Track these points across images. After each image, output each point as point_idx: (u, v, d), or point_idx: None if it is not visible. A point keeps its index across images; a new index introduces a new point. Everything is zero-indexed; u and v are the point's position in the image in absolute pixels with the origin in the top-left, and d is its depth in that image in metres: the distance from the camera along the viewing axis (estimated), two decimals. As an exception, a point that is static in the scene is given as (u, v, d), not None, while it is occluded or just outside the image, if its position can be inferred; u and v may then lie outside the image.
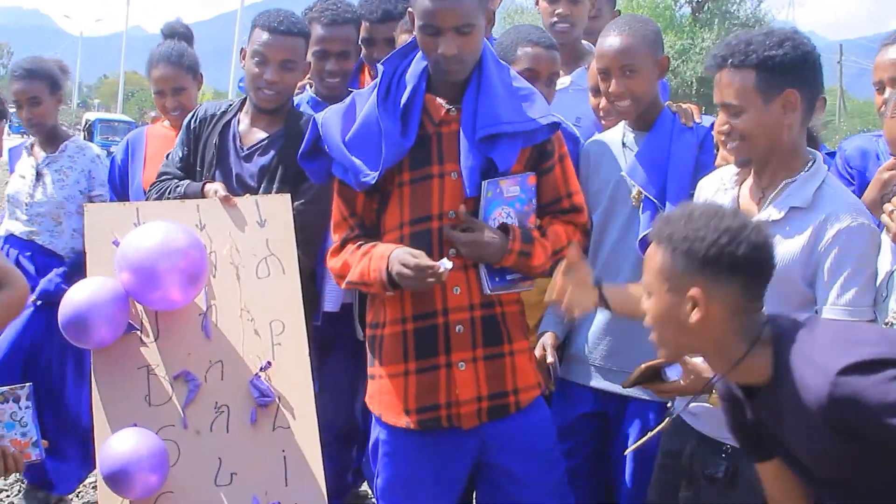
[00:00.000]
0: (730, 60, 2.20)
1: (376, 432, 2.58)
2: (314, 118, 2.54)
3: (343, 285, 2.57)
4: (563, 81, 3.26)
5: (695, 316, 1.85)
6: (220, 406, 2.53)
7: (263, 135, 3.03)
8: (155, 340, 2.59)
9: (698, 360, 2.18)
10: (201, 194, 2.88)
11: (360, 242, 2.52)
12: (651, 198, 2.67)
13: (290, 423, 2.55)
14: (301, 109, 3.28)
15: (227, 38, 33.74)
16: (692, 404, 2.32)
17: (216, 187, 2.87)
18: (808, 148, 2.32)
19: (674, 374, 2.28)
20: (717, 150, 2.67)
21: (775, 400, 1.81)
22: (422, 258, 2.33)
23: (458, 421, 2.46)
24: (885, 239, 2.23)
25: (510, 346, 2.49)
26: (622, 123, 2.85)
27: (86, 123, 26.75)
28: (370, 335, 2.58)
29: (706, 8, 20.78)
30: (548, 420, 2.58)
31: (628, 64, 2.69)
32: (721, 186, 2.43)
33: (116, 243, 2.64)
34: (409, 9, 2.46)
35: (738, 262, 1.82)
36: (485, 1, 2.40)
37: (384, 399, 2.52)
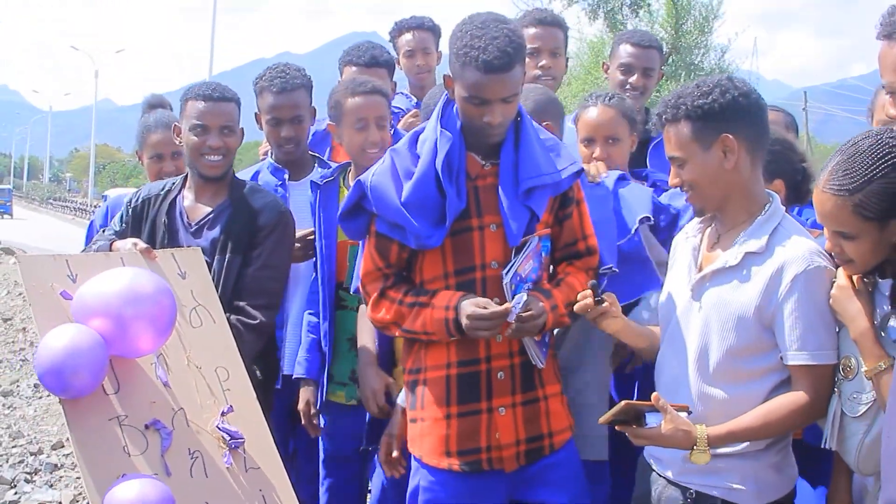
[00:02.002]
0: (664, 116, 2.34)
1: (416, 479, 2.63)
2: (359, 180, 2.61)
3: (398, 334, 2.64)
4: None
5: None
6: (194, 452, 2.52)
7: (209, 208, 3.09)
8: (117, 392, 2.51)
9: (683, 415, 2.29)
10: (109, 251, 2.86)
11: (404, 290, 2.61)
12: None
13: (259, 464, 2.59)
14: (261, 176, 3.35)
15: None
16: (658, 449, 2.40)
17: (133, 241, 2.87)
18: (766, 190, 2.40)
19: (654, 420, 2.30)
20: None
21: None
22: (491, 306, 2.44)
23: (501, 464, 2.56)
24: None
25: (543, 390, 2.60)
26: None
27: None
28: (410, 380, 2.66)
29: (671, 60, 21.26)
30: (577, 459, 2.69)
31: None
32: (685, 237, 2.54)
33: (65, 295, 2.57)
34: (446, 74, 2.54)
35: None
36: (524, 63, 2.51)
37: (426, 441, 2.60)
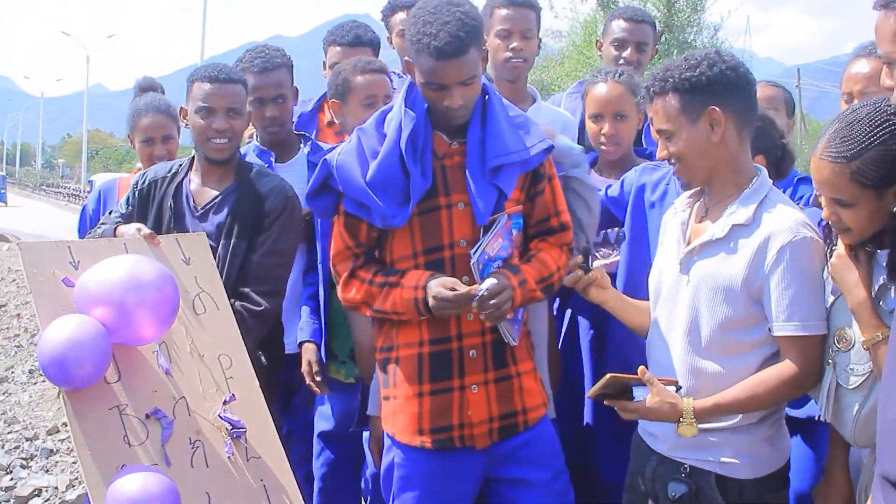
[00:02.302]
0: (652, 89, 2.35)
1: (390, 456, 2.66)
2: (325, 160, 2.61)
3: (369, 314, 2.64)
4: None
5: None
6: (195, 441, 2.50)
7: (215, 192, 3.05)
8: (119, 380, 2.49)
9: (669, 388, 2.33)
10: (114, 236, 2.83)
11: (374, 269, 2.61)
12: None
13: (260, 453, 2.57)
14: (247, 159, 3.30)
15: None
16: (652, 424, 2.44)
17: (136, 226, 2.83)
18: (754, 164, 2.42)
19: (641, 394, 2.34)
20: None
21: None
22: (459, 286, 2.46)
23: (472, 441, 2.58)
24: None
25: (516, 367, 2.62)
26: None
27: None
28: (382, 358, 2.67)
29: (664, 39, 20.94)
30: (553, 436, 2.72)
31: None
32: (673, 212, 2.56)
33: (68, 282, 2.56)
34: (406, 58, 2.56)
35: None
36: (480, 45, 2.50)
37: (398, 419, 2.62)
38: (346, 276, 2.65)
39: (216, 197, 3.05)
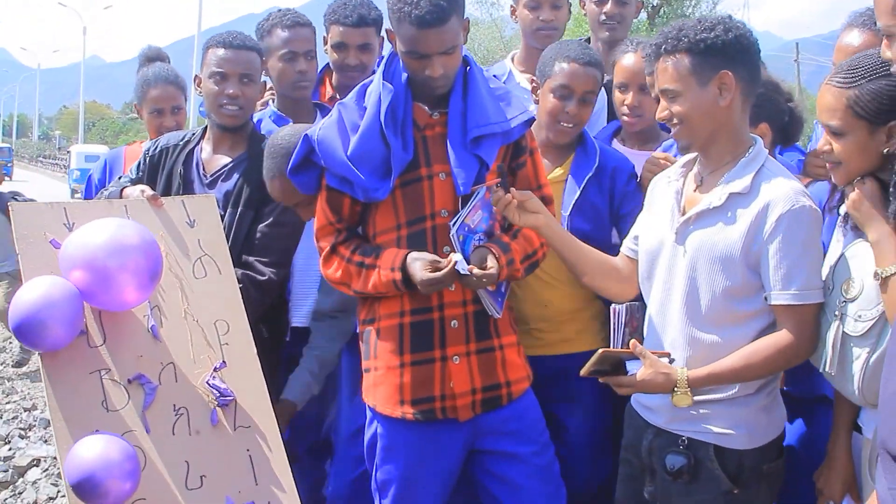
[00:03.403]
0: (663, 47, 2.30)
1: (372, 428, 2.63)
2: (306, 135, 2.57)
3: (351, 293, 2.62)
4: None
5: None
6: (179, 408, 2.44)
7: (226, 160, 3.01)
8: (103, 343, 2.43)
9: (663, 360, 2.31)
10: (120, 197, 2.79)
11: (353, 246, 2.59)
12: None
13: (250, 422, 2.51)
14: (263, 125, 3.25)
15: (185, 64, 31.93)
16: (647, 397, 2.41)
17: (141, 188, 2.79)
18: (751, 134, 2.39)
19: (634, 367, 2.32)
20: None
21: None
22: (440, 262, 2.43)
23: (454, 413, 2.56)
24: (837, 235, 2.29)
25: (499, 340, 2.60)
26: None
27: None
28: (364, 330, 2.64)
29: (662, 12, 20.76)
30: (537, 409, 2.69)
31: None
32: (667, 180, 2.51)
33: (55, 244, 2.48)
34: (389, 28, 2.53)
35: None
36: (461, 14, 2.48)
37: (380, 391, 2.59)
38: (328, 251, 2.62)
39: (226, 165, 3.02)
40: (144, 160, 3.07)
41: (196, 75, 3.09)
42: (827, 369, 2.22)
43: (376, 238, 2.59)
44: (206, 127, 3.11)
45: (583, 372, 2.35)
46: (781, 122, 2.81)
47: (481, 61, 3.02)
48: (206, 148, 3.07)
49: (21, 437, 5.81)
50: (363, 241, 2.63)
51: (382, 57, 2.69)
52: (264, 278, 2.90)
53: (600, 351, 2.30)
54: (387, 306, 2.57)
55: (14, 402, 6.68)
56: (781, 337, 2.26)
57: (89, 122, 64.00)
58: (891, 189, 2.10)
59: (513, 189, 2.50)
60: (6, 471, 5.11)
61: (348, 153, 2.50)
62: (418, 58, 2.45)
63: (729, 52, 2.26)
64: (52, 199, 3.91)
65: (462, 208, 2.50)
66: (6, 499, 4.66)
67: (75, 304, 2.35)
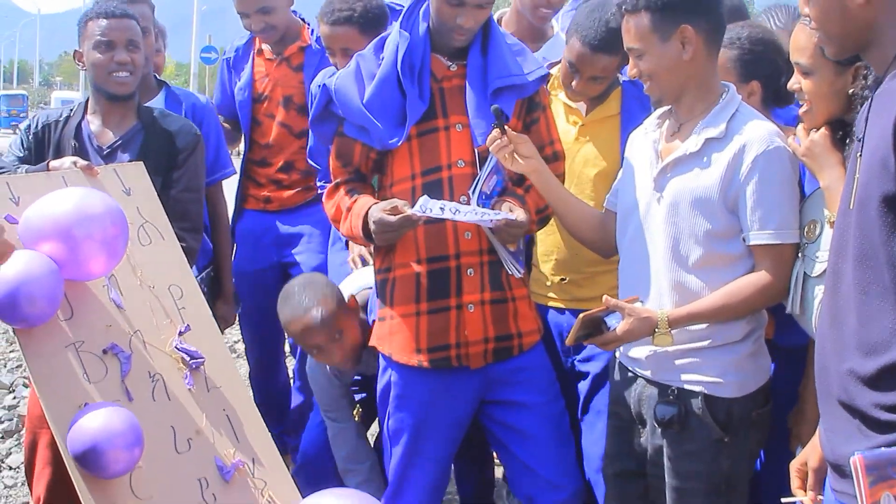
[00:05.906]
0: (624, 7, 2.34)
1: (386, 376, 2.69)
2: (324, 84, 2.66)
3: (341, 233, 2.76)
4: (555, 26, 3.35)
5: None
6: (154, 375, 2.48)
7: (119, 132, 3.02)
8: (72, 316, 2.46)
9: (637, 305, 2.34)
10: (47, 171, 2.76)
11: (348, 188, 2.68)
12: None
13: (221, 382, 2.57)
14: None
15: (188, 9, 31.22)
16: (634, 348, 2.43)
17: (72, 159, 2.77)
18: (722, 81, 2.41)
19: (614, 321, 2.35)
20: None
21: None
22: (402, 211, 2.45)
23: (468, 360, 2.60)
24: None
25: (511, 292, 2.64)
26: None
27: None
28: (380, 279, 2.68)
29: None
30: (547, 361, 2.75)
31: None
32: (644, 132, 2.53)
33: (10, 219, 2.48)
34: None
35: None
36: None
37: (395, 339, 2.64)
38: (332, 187, 2.73)
39: (122, 136, 3.04)
40: (27, 136, 3.07)
41: (76, 50, 3.10)
42: (791, 309, 2.26)
43: (393, 187, 2.64)
44: (87, 101, 3.10)
45: (568, 341, 2.42)
46: (777, 84, 2.74)
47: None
48: (93, 121, 3.07)
49: (25, 385, 5.88)
50: (364, 187, 2.70)
51: (401, 7, 2.73)
52: (184, 246, 2.88)
53: (581, 316, 2.34)
54: (402, 255, 2.61)
55: (18, 350, 6.76)
56: (760, 276, 2.29)
57: (91, 68, 63.37)
58: (851, 132, 2.07)
59: (508, 130, 2.51)
60: (11, 419, 5.22)
61: (364, 100, 2.57)
62: (456, 5, 2.49)
63: (687, 5, 2.29)
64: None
65: (479, 165, 2.56)
66: (11, 447, 4.76)
67: (55, 278, 2.37)
